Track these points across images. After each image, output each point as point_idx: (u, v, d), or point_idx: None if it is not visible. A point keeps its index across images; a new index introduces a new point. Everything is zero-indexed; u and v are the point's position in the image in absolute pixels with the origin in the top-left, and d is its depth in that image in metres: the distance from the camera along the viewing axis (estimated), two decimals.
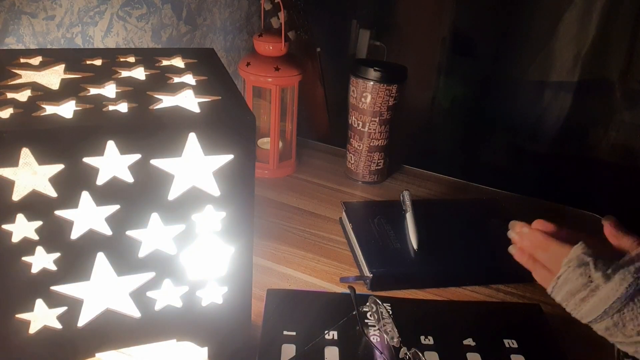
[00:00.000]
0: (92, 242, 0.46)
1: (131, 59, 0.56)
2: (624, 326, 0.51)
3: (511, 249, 0.63)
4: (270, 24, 0.98)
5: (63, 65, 0.52)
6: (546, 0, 1.47)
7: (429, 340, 0.62)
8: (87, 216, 0.45)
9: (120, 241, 0.47)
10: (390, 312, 0.63)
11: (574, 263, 0.54)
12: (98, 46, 0.84)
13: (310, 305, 0.67)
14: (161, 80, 0.52)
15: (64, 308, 0.48)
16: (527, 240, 0.61)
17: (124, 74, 0.52)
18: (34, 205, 0.43)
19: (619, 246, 0.57)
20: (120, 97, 0.47)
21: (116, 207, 0.46)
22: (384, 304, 0.63)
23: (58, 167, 0.42)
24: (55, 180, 0.43)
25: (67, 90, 0.48)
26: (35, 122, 0.42)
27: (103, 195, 0.45)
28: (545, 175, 1.41)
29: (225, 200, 0.49)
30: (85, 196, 0.44)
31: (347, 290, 0.67)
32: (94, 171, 0.44)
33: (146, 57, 0.56)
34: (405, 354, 0.58)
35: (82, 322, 0.50)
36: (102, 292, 0.49)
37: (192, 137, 0.45)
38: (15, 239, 0.44)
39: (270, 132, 0.98)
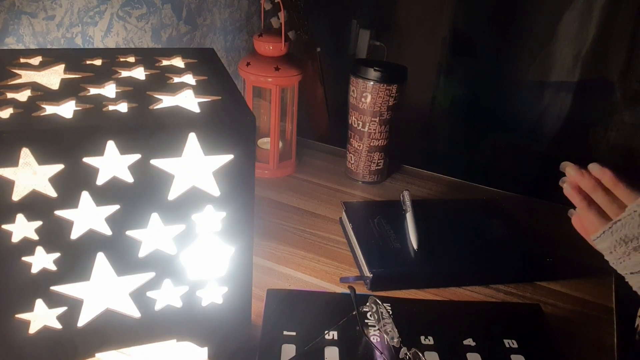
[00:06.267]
0: (92, 242, 0.46)
1: (131, 59, 0.56)
2: None
3: (565, 186, 0.58)
4: (270, 24, 0.98)
5: (63, 65, 0.52)
6: (546, 0, 1.47)
7: (429, 340, 0.62)
8: (87, 216, 0.45)
9: (120, 241, 0.47)
10: (390, 312, 0.63)
11: None
12: (98, 46, 0.84)
13: (310, 305, 0.67)
14: (161, 80, 0.52)
15: (64, 308, 0.48)
16: (589, 180, 0.55)
17: (124, 74, 0.52)
18: (34, 205, 0.43)
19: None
20: (120, 97, 0.47)
21: (116, 207, 0.46)
22: (384, 304, 0.63)
23: (58, 167, 0.42)
24: (55, 180, 0.43)
25: (67, 90, 0.48)
26: (35, 122, 0.42)
27: (103, 195, 0.45)
28: (545, 175, 1.41)
29: (225, 200, 0.49)
30: (85, 196, 0.44)
31: (347, 290, 0.67)
32: (94, 171, 0.44)
33: (146, 57, 0.56)
34: (405, 354, 0.58)
35: (82, 322, 0.50)
36: (102, 292, 0.49)
37: (192, 137, 0.45)
38: (15, 239, 0.44)
39: (270, 132, 0.98)
